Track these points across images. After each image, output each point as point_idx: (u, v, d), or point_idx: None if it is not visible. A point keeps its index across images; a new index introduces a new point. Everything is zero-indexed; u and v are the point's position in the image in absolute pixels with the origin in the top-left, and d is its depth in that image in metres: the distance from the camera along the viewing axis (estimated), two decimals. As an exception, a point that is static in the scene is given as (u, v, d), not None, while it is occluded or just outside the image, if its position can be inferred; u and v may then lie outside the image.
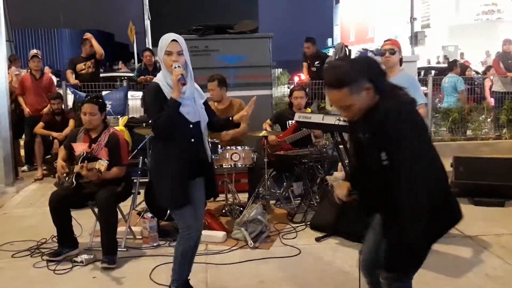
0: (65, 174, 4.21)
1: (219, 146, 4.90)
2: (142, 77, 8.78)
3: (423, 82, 8.57)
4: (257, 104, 3.48)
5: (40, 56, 8.01)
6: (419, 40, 22.77)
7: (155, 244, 4.52)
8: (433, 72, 12.94)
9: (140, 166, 4.98)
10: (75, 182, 4.15)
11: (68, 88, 8.15)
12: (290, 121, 5.78)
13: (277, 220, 5.13)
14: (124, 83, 8.47)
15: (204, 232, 3.70)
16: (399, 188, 2.12)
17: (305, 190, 5.56)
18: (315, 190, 5.49)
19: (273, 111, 6.62)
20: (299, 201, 5.47)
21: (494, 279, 3.73)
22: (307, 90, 6.21)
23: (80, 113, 4.43)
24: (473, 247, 4.35)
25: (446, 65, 13.50)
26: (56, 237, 4.34)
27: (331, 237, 4.61)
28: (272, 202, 5.62)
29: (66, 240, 4.28)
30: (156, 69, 8.87)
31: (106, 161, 4.03)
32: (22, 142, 8.25)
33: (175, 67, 3.07)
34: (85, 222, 4.63)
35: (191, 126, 3.21)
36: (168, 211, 4.30)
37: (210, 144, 3.45)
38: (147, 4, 24.30)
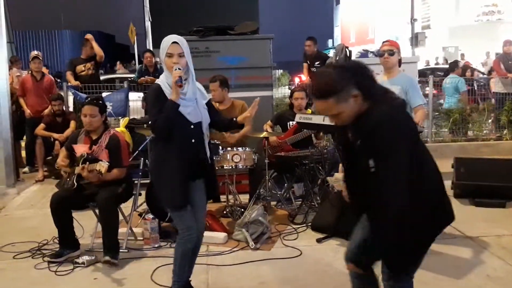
0: (67, 174, 4.22)
1: (220, 147, 4.91)
2: (143, 78, 8.78)
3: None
4: (258, 105, 3.49)
5: (41, 58, 8.02)
6: (419, 41, 22.75)
7: (156, 245, 4.53)
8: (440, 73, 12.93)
9: (141, 167, 4.98)
10: (76, 184, 4.17)
11: (69, 90, 8.16)
12: (291, 122, 5.78)
13: (278, 221, 5.13)
14: (125, 84, 8.47)
15: (205, 233, 3.70)
16: (381, 196, 2.13)
17: (306, 191, 5.56)
18: (316, 191, 5.49)
19: (273, 112, 6.63)
20: (300, 202, 5.47)
21: (495, 280, 3.73)
22: (307, 91, 6.20)
23: (80, 114, 4.44)
24: (474, 248, 4.36)
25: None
26: (57, 238, 4.34)
27: (332, 238, 4.62)
28: (273, 203, 5.63)
29: (67, 241, 4.29)
30: (156, 70, 8.88)
31: (107, 163, 4.04)
32: (23, 144, 8.25)
33: (175, 69, 3.08)
34: (86, 223, 4.63)
35: (192, 126, 3.22)
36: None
37: (211, 145, 3.45)
38: (148, 6, 24.30)
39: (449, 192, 5.70)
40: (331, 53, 12.60)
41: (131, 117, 7.22)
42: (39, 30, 45.89)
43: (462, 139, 8.58)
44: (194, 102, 3.24)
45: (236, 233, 4.62)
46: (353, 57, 8.14)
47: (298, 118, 5.17)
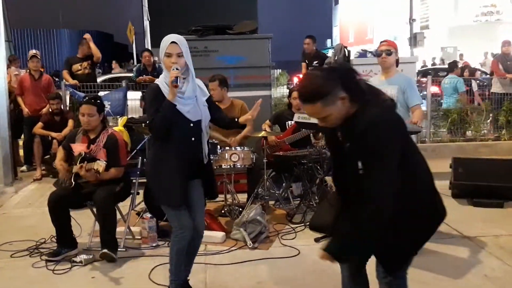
0: (70, 175, 4.22)
1: (218, 146, 4.91)
2: (141, 77, 8.78)
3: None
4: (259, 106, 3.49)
5: (39, 57, 8.01)
6: (418, 41, 22.79)
7: (154, 244, 4.52)
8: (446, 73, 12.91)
9: (139, 167, 4.98)
10: (73, 182, 4.16)
11: (67, 89, 8.15)
12: (289, 122, 5.78)
13: (276, 221, 5.13)
14: (123, 83, 8.46)
15: (203, 233, 3.69)
16: (366, 194, 2.13)
17: (304, 190, 5.56)
18: (314, 190, 5.49)
19: (272, 112, 6.63)
20: (298, 201, 5.47)
21: (493, 280, 3.73)
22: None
23: (78, 113, 4.43)
24: (472, 248, 4.36)
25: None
26: (55, 237, 4.34)
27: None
28: (271, 202, 5.62)
29: (65, 240, 4.28)
30: (155, 70, 8.87)
31: (104, 162, 4.04)
32: (21, 142, 8.25)
33: (173, 69, 3.09)
34: (84, 222, 4.63)
35: (191, 125, 3.22)
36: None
37: (209, 145, 3.45)
38: (146, 5, 24.29)
39: (447, 192, 5.73)
40: (329, 53, 12.59)
41: (129, 116, 7.22)
42: (38, 29, 45.84)
43: (461, 139, 8.59)
44: (194, 100, 3.24)
45: (234, 233, 4.62)
46: (352, 57, 8.12)
47: (297, 117, 5.17)
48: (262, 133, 5.37)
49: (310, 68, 9.11)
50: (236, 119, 3.52)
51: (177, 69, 3.10)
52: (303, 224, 4.98)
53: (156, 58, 9.66)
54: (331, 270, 3.93)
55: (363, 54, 9.55)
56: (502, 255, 4.18)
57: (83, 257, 4.18)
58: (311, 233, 4.78)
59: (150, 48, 16.30)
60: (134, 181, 4.74)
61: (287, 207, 5.52)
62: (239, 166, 5.12)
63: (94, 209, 4.37)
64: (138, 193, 4.96)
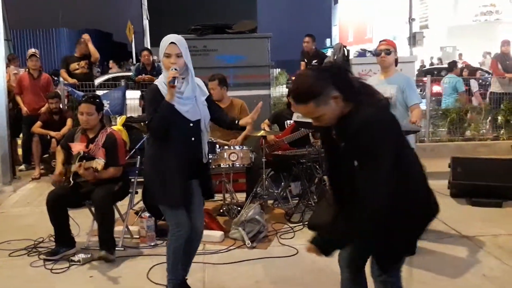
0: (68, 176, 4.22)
1: (217, 145, 4.90)
2: (140, 76, 8.77)
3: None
4: (255, 104, 3.49)
5: (38, 56, 8.00)
6: (417, 40, 22.77)
7: (152, 244, 4.52)
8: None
9: (137, 166, 4.97)
10: (72, 182, 4.16)
11: (66, 88, 8.14)
12: (288, 121, 5.78)
13: (274, 220, 5.12)
14: (122, 83, 8.45)
15: (201, 232, 3.69)
16: (361, 194, 2.13)
17: (303, 190, 5.56)
18: (313, 190, 5.49)
19: (271, 111, 6.62)
20: (297, 201, 5.47)
21: (491, 280, 3.73)
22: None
23: (77, 112, 4.43)
24: (470, 248, 4.36)
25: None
26: (53, 236, 4.33)
27: (329, 237, 4.60)
28: (270, 202, 5.62)
29: (63, 239, 4.28)
30: (154, 69, 8.87)
31: (103, 160, 4.03)
32: (19, 141, 8.24)
33: (171, 70, 3.09)
34: (82, 221, 4.62)
35: (191, 124, 3.22)
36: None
37: (208, 144, 3.44)
38: (146, 4, 24.26)
39: (446, 191, 5.73)
40: (329, 52, 12.59)
41: (128, 115, 7.22)
42: (37, 29, 45.77)
43: (459, 139, 8.60)
44: (193, 100, 3.24)
45: (232, 232, 4.61)
46: (351, 56, 8.11)
47: (296, 117, 5.15)
48: (261, 133, 5.36)
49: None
50: (236, 121, 3.51)
51: (175, 69, 3.09)
52: (301, 224, 4.97)
53: (155, 57, 9.68)
54: (330, 269, 3.93)
55: (362, 53, 9.52)
56: (501, 255, 4.18)
57: (81, 256, 4.18)
58: (310, 233, 4.75)
59: (149, 47, 16.31)
60: (132, 180, 4.74)
61: (286, 207, 5.52)
62: (238, 165, 5.12)
63: (93, 208, 4.36)
64: (136, 192, 4.95)
